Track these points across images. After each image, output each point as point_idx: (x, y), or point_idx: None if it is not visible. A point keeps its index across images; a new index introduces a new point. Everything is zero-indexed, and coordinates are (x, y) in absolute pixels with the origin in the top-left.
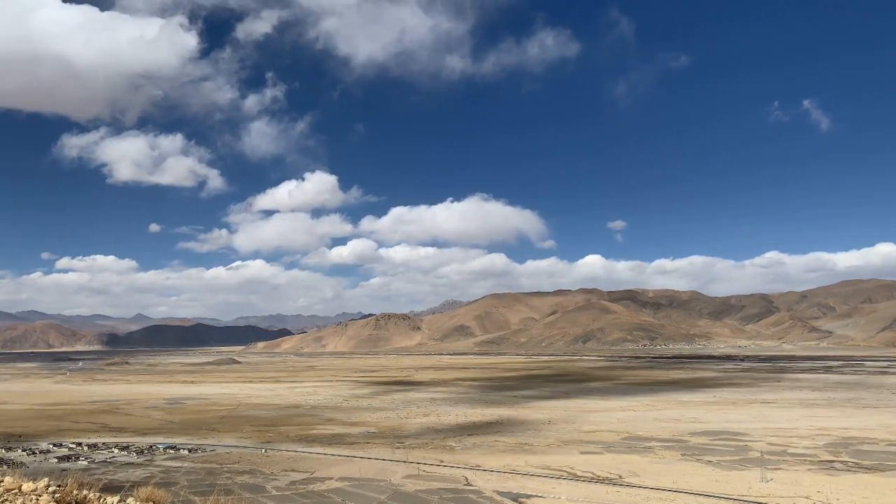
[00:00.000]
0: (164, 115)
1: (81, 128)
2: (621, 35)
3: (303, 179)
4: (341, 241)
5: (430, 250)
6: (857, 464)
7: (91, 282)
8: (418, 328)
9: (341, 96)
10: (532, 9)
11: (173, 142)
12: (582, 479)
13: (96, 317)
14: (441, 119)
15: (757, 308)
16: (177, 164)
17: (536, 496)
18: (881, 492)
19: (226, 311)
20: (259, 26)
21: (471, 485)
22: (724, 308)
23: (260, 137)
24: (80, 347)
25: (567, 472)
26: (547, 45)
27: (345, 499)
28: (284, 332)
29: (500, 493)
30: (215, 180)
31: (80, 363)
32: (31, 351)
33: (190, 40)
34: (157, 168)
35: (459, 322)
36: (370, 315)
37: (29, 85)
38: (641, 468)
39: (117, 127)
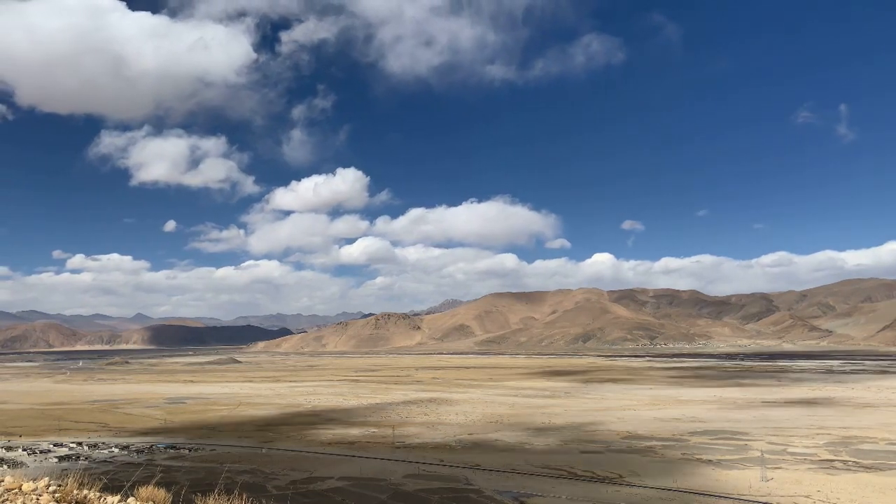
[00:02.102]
0: (209, 118)
1: (123, 127)
2: (667, 41)
3: (333, 174)
4: (352, 241)
5: (443, 251)
6: (856, 463)
7: (99, 281)
8: (418, 328)
9: (383, 106)
10: (581, 17)
11: (216, 144)
12: None
13: (96, 316)
14: (479, 125)
15: (757, 307)
16: (210, 167)
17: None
18: (881, 491)
19: (226, 311)
20: (319, 29)
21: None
22: (724, 307)
23: (300, 145)
24: (80, 347)
25: None
26: (592, 53)
27: (345, 498)
28: (285, 332)
29: None
30: (246, 184)
31: (81, 363)
32: (31, 350)
33: (248, 47)
34: (189, 170)
35: (459, 321)
36: (370, 315)
37: (79, 86)
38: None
39: (158, 127)
